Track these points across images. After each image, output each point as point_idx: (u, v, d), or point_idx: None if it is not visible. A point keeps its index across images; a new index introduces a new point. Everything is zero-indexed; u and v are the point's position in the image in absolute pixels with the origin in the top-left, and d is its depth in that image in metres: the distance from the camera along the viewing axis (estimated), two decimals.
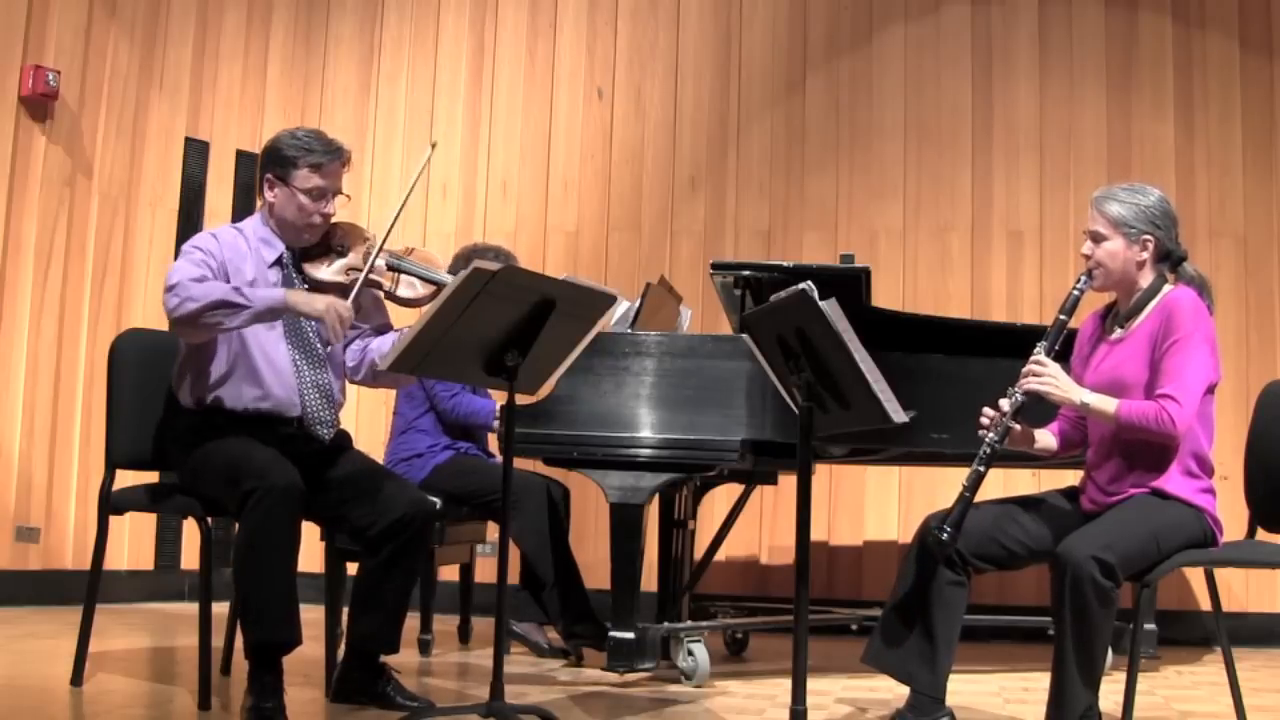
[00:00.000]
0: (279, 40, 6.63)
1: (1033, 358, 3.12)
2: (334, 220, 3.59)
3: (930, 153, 6.15)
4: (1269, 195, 5.88)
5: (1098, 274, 3.19)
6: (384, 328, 3.68)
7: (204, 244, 3.47)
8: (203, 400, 3.43)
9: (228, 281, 3.40)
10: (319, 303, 3.32)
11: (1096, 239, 3.18)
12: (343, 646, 3.53)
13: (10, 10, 5.56)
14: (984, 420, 3.14)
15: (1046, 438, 3.29)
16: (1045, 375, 3.09)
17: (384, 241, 3.50)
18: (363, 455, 3.63)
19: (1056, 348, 3.15)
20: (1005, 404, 3.13)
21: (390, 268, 3.53)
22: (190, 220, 6.22)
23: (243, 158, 6.42)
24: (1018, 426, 3.16)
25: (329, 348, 3.52)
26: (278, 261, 3.53)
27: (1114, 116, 6.02)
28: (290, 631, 3.19)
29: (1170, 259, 3.21)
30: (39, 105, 5.64)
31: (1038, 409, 3.19)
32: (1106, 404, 3.05)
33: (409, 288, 3.54)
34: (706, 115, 6.37)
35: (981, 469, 3.08)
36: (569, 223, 6.41)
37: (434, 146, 3.89)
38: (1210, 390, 3.12)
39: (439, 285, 3.48)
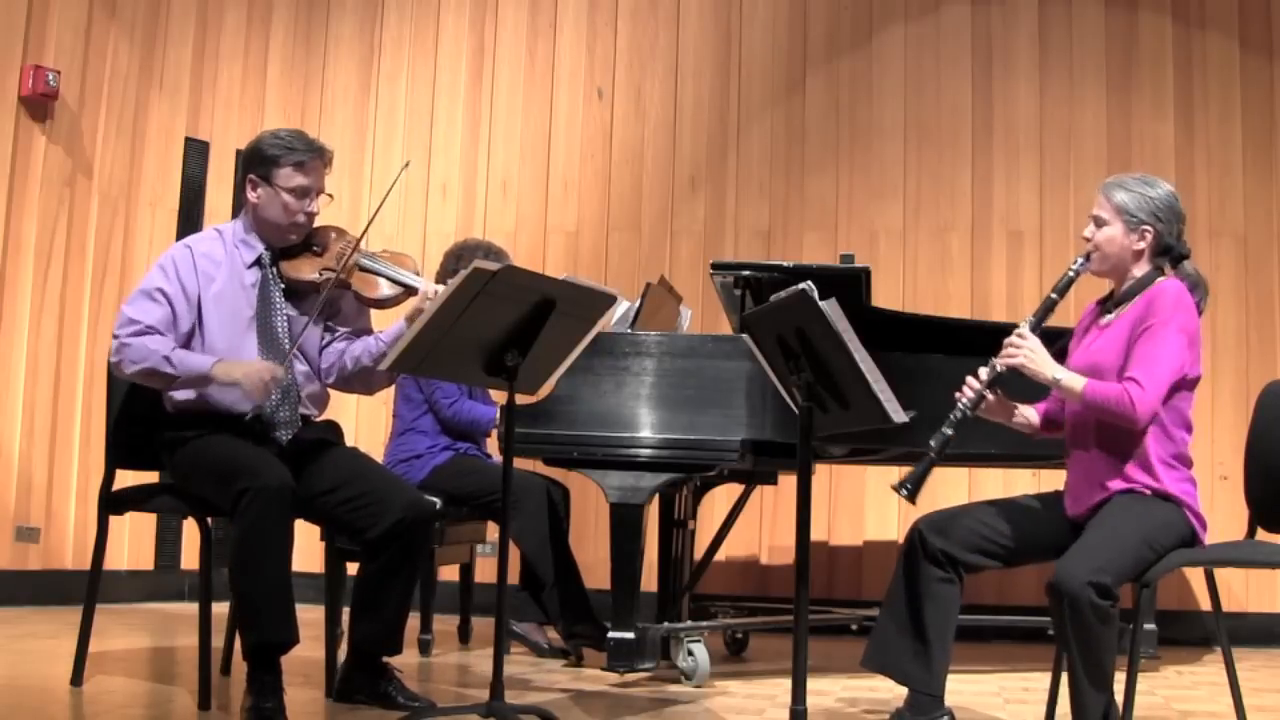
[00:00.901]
0: (279, 40, 6.63)
1: (1016, 331, 3.15)
2: (317, 222, 3.62)
3: (930, 153, 6.15)
4: (1269, 195, 5.88)
5: (1094, 257, 3.21)
6: (363, 331, 3.68)
7: (170, 265, 3.48)
8: (183, 408, 3.46)
9: (196, 301, 3.44)
10: (236, 371, 3.33)
11: (1098, 223, 3.21)
12: (343, 647, 3.53)
13: (10, 10, 5.56)
14: (964, 389, 3.18)
15: (1029, 413, 3.32)
16: (1024, 348, 3.11)
17: (354, 250, 3.51)
18: (359, 454, 3.63)
19: (1042, 324, 3.17)
20: (984, 373, 3.18)
21: (362, 269, 3.55)
22: (190, 220, 6.22)
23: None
24: (991, 396, 3.19)
25: (293, 349, 3.50)
26: (257, 262, 3.55)
27: (1114, 116, 6.02)
28: (287, 631, 3.19)
29: (1170, 254, 3.22)
30: (39, 105, 5.64)
31: (1028, 387, 3.21)
32: (1075, 382, 3.08)
33: (380, 288, 3.56)
34: (706, 115, 6.37)
35: (949, 431, 3.13)
36: (569, 223, 6.41)
37: (407, 165, 4.01)
38: (1190, 388, 3.13)
39: (408, 288, 3.53)
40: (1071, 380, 3.08)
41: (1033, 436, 3.38)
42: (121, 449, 3.64)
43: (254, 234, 3.56)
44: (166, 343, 3.37)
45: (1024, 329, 3.14)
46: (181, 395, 3.45)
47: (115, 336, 3.38)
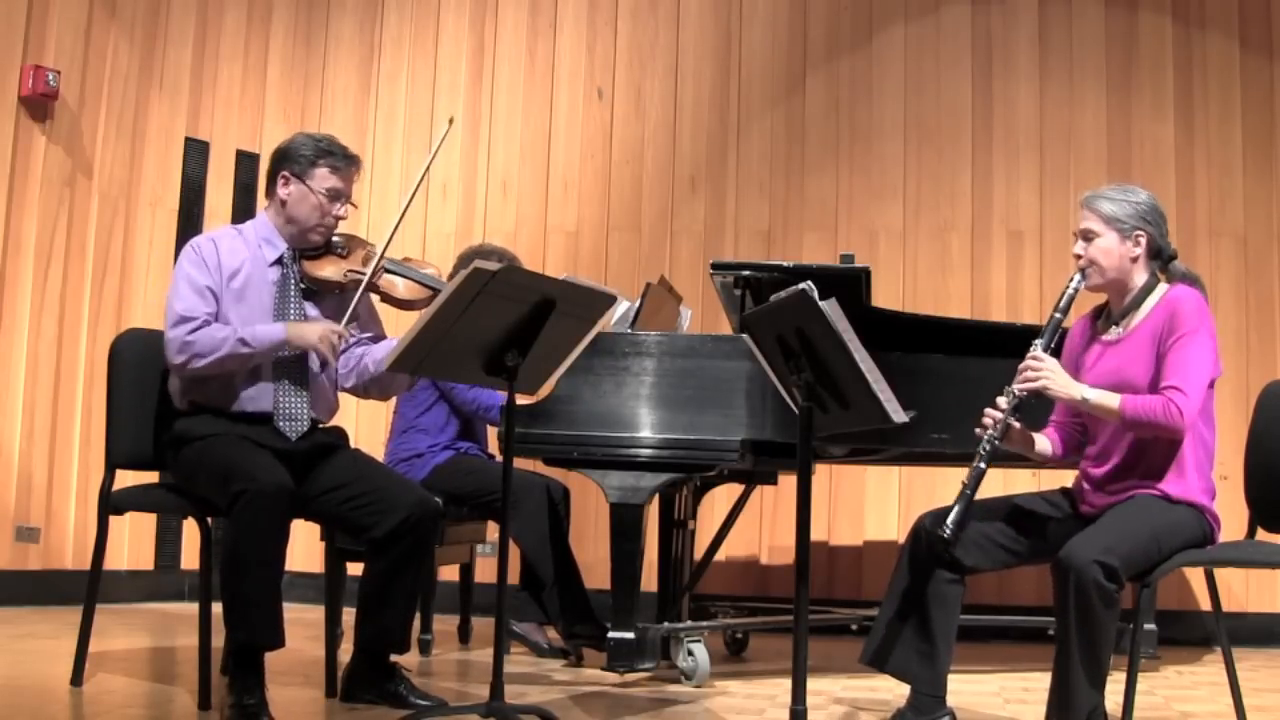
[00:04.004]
0: (279, 40, 6.63)
1: (1030, 355, 3.13)
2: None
3: (930, 153, 6.15)
4: (1269, 195, 5.88)
5: (1091, 272, 3.20)
6: (378, 337, 3.70)
7: (202, 251, 3.49)
8: (195, 402, 3.46)
9: (228, 285, 3.46)
10: (312, 335, 3.40)
11: (1088, 237, 3.20)
12: (344, 647, 3.52)
13: (10, 10, 5.56)
14: (985, 421, 3.14)
15: (1044, 443, 3.29)
16: (1044, 371, 3.09)
17: (390, 238, 3.54)
18: (362, 454, 3.63)
19: (1053, 345, 3.16)
20: (1003, 401, 3.14)
21: (389, 272, 3.59)
22: (190, 220, 6.22)
23: (243, 158, 6.42)
24: (1017, 424, 3.17)
25: (324, 369, 3.54)
26: (279, 260, 3.56)
27: (1114, 117, 6.02)
28: (274, 635, 3.20)
29: (1160, 257, 3.22)
30: (39, 105, 5.64)
31: (1032, 413, 3.19)
32: (1109, 399, 3.05)
33: (406, 290, 3.61)
34: (706, 115, 6.37)
35: (983, 465, 3.10)
36: (569, 223, 6.41)
37: (451, 122, 3.99)
38: (1212, 385, 3.13)
39: (435, 290, 3.56)
40: (1103, 398, 3.05)
41: (1045, 464, 3.36)
42: (123, 449, 3.63)
43: (277, 233, 3.58)
44: (228, 328, 3.40)
45: (1038, 351, 3.12)
46: (198, 391, 3.45)
47: (172, 338, 3.36)
